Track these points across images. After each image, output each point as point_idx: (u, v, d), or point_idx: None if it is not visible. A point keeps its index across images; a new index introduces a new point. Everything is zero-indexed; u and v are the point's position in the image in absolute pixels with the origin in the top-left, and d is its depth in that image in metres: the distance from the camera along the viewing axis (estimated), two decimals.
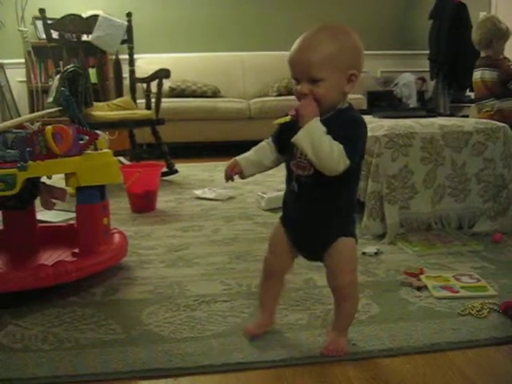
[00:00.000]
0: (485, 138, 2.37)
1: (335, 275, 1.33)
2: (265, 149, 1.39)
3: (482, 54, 3.86)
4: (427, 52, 6.03)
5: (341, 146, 1.19)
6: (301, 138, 1.21)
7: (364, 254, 2.09)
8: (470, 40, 3.98)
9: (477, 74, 3.85)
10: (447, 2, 5.77)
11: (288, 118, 1.25)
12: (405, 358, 1.33)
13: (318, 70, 1.22)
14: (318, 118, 1.22)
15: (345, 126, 1.24)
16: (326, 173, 1.22)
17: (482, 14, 6.42)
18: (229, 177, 1.38)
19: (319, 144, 1.19)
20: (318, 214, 1.32)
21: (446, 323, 1.49)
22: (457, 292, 1.69)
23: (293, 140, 1.22)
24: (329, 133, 1.21)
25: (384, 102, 5.96)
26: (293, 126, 1.25)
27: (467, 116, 4.17)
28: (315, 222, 1.32)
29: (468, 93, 6.07)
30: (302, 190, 1.31)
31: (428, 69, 6.09)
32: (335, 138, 1.20)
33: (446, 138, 2.33)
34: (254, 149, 1.40)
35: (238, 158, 1.38)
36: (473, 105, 4.22)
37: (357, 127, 1.28)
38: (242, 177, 1.38)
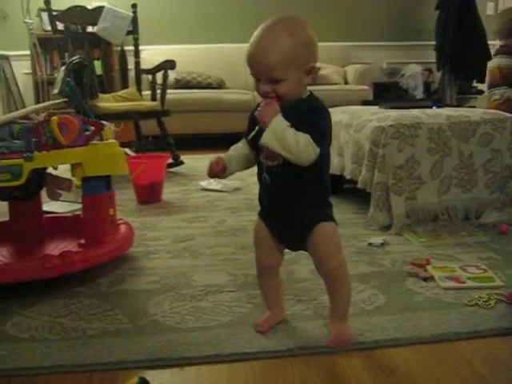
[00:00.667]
0: (492, 128, 2.35)
1: (322, 261, 1.33)
2: (241, 148, 1.39)
3: (502, 43, 3.84)
4: (433, 43, 5.98)
5: (307, 136, 1.20)
6: (267, 139, 1.21)
7: (370, 244, 2.08)
8: (476, 31, 3.96)
9: (494, 62, 3.84)
10: None
11: (257, 129, 1.27)
12: (411, 349, 1.33)
13: (278, 71, 1.22)
14: (280, 115, 1.22)
15: (309, 114, 1.25)
16: (301, 164, 1.22)
17: (490, 5, 6.39)
18: (214, 172, 1.36)
19: (284, 140, 1.19)
20: (292, 202, 1.32)
21: (453, 314, 1.48)
22: (463, 282, 1.68)
23: (260, 143, 1.23)
24: (292, 123, 1.21)
25: (390, 93, 5.93)
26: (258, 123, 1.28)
27: (474, 107, 4.15)
28: (291, 210, 1.32)
29: (475, 84, 6.04)
30: (273, 181, 1.31)
31: (434, 60, 6.05)
32: (299, 127, 1.21)
33: (453, 128, 2.32)
34: (231, 148, 1.40)
35: (221, 155, 1.36)
36: (481, 95, 4.21)
37: (320, 114, 1.28)
38: (224, 174, 1.36)
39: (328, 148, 1.31)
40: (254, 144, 1.33)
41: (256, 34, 1.25)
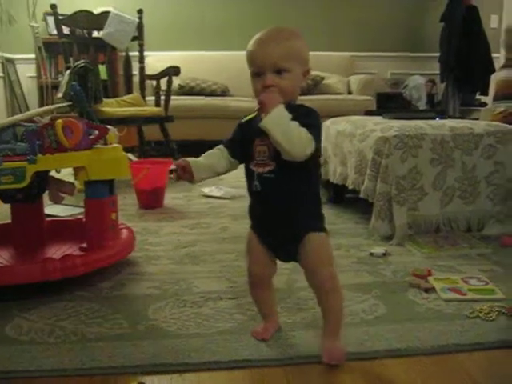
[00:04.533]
0: (495, 140, 2.35)
1: (312, 272, 1.31)
2: (216, 154, 1.38)
3: (509, 56, 3.85)
4: (437, 54, 6.01)
5: (306, 130, 1.21)
6: (269, 122, 1.20)
7: (372, 254, 2.08)
8: (480, 43, 3.97)
9: (501, 74, 3.84)
10: (459, 5, 5.75)
11: (254, 114, 1.28)
12: (412, 360, 1.32)
13: (284, 59, 1.24)
14: (283, 106, 1.22)
15: (303, 116, 1.24)
16: (296, 158, 1.21)
17: (494, 17, 6.41)
18: (178, 178, 1.35)
19: (287, 127, 1.20)
20: (283, 210, 1.30)
21: (454, 325, 1.48)
22: (465, 294, 1.67)
23: (260, 125, 1.21)
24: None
25: (393, 103, 5.94)
26: (249, 127, 1.31)
27: (477, 119, 4.16)
28: (282, 219, 1.31)
29: (478, 96, 6.05)
30: (264, 188, 1.30)
31: (438, 71, 6.07)
32: None
33: (457, 139, 2.32)
34: (204, 155, 1.38)
35: (188, 159, 1.35)
36: (484, 108, 4.21)
37: (314, 116, 1.28)
38: (192, 181, 1.35)
39: (319, 155, 1.33)
40: (241, 152, 1.33)
41: (260, 34, 1.28)
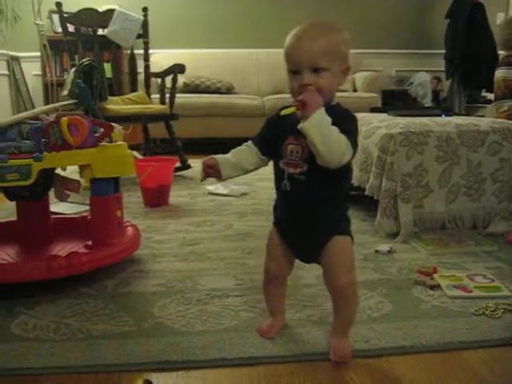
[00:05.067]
0: (501, 137, 2.35)
1: (333, 275, 1.29)
2: (244, 152, 1.36)
3: (505, 54, 3.82)
4: (443, 51, 5.99)
5: (345, 137, 1.18)
6: (309, 127, 1.16)
7: (377, 252, 2.08)
8: (486, 40, 3.95)
9: (498, 73, 3.81)
10: (464, 2, 5.73)
11: (293, 109, 1.21)
12: (417, 357, 1.32)
13: (322, 58, 1.20)
14: (324, 109, 1.18)
15: (342, 120, 1.21)
16: (331, 165, 1.18)
17: (500, 15, 6.38)
18: (206, 176, 1.35)
19: (328, 133, 1.16)
20: (311, 212, 1.28)
21: (460, 323, 1.47)
22: (470, 292, 1.67)
23: (300, 127, 1.17)
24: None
25: (399, 101, 5.93)
26: (282, 123, 1.27)
27: (483, 116, 4.14)
28: (309, 221, 1.29)
29: (484, 93, 6.03)
30: (294, 189, 1.27)
31: (443, 68, 6.05)
32: None
33: (462, 136, 2.31)
34: (231, 151, 1.36)
35: (214, 156, 1.34)
36: (489, 105, 4.19)
37: (354, 121, 1.26)
38: (219, 177, 1.34)
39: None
40: (272, 149, 1.31)
41: (297, 30, 1.24)
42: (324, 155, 1.16)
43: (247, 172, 1.37)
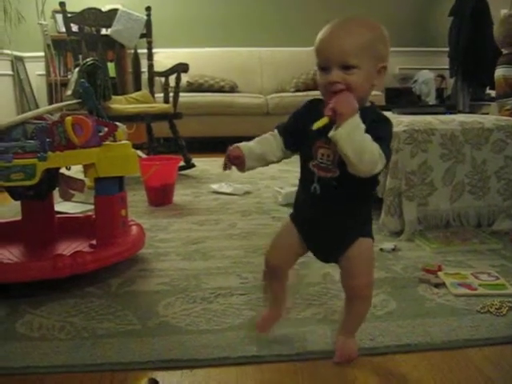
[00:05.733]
0: (506, 135, 2.34)
1: (353, 276, 1.27)
2: (270, 142, 1.29)
3: (504, 52, 3.80)
4: (447, 49, 5.97)
5: (377, 146, 1.11)
6: (340, 135, 1.09)
7: (381, 250, 2.07)
8: (490, 38, 3.92)
9: (499, 72, 3.79)
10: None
11: (326, 120, 1.11)
12: (422, 355, 1.32)
13: (353, 55, 1.13)
14: (358, 115, 1.11)
15: (377, 125, 1.15)
16: (361, 174, 1.12)
17: (503, 12, 6.36)
18: (229, 166, 1.27)
19: (361, 144, 1.09)
20: (339, 215, 1.25)
21: (464, 320, 1.47)
22: (475, 289, 1.67)
23: (330, 135, 1.10)
24: None
25: (402, 99, 5.91)
26: (310, 121, 1.15)
27: (487, 114, 4.12)
28: (336, 223, 1.26)
29: (488, 91, 6.01)
30: (324, 193, 1.22)
31: (447, 66, 6.03)
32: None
33: (466, 134, 2.31)
34: (257, 140, 1.29)
35: (240, 145, 1.26)
36: (493, 103, 4.17)
37: (388, 126, 1.21)
38: (242, 169, 1.27)
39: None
40: (299, 145, 1.26)
41: (331, 24, 1.18)
42: (355, 164, 1.11)
43: (270, 164, 1.31)
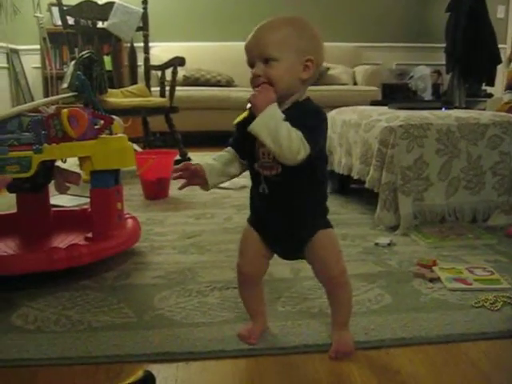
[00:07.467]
0: (501, 131, 2.35)
1: (325, 267, 1.28)
2: (227, 156, 1.31)
3: None
4: (443, 45, 5.97)
5: (300, 133, 1.12)
6: (256, 126, 1.12)
7: (377, 244, 2.08)
8: (487, 34, 3.93)
9: None
10: None
11: (245, 113, 1.18)
12: (417, 349, 1.33)
13: (271, 48, 1.16)
14: (276, 104, 1.15)
15: (304, 116, 1.18)
16: (286, 162, 1.14)
17: (501, 8, 6.37)
18: (188, 184, 1.29)
19: (276, 130, 1.11)
20: (292, 212, 1.26)
21: (459, 315, 1.48)
22: (470, 284, 1.67)
23: (249, 129, 1.14)
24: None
25: (399, 94, 5.92)
26: (245, 127, 1.17)
27: (483, 110, 4.14)
28: (290, 220, 1.27)
29: (484, 87, 6.02)
30: (272, 191, 1.25)
31: (444, 62, 6.04)
32: (294, 127, 1.13)
33: (462, 130, 2.31)
34: (213, 157, 1.31)
35: (199, 163, 1.27)
36: (489, 99, 4.18)
37: (316, 116, 1.21)
38: (205, 186, 1.29)
39: (324, 154, 1.27)
40: (246, 152, 1.27)
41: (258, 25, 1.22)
42: (277, 152, 1.13)
43: (233, 177, 1.33)
